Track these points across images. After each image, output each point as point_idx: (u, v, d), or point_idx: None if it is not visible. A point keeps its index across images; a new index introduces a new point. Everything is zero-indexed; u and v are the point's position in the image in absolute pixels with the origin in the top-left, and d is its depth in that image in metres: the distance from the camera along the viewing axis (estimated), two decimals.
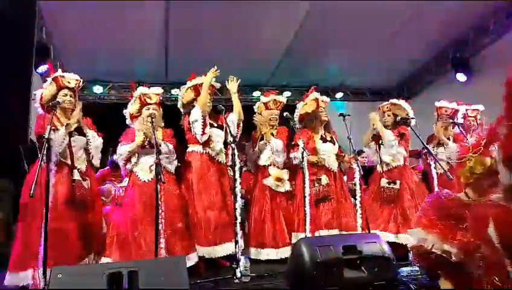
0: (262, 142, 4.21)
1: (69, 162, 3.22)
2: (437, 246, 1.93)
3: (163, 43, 6.04)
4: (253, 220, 4.09)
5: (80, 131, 3.37)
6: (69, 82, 3.37)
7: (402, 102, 4.52)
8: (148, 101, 3.64)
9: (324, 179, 4.05)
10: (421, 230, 2.02)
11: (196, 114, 3.75)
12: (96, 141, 3.45)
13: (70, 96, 3.37)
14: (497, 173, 2.05)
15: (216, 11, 5.13)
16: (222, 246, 3.61)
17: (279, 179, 4.14)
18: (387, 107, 4.48)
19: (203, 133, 3.75)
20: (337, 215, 4.02)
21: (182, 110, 4.09)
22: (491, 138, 2.14)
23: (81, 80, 3.49)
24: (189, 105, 4.06)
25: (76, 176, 3.22)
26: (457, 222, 1.93)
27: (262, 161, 4.24)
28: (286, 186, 4.17)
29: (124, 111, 3.80)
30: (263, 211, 4.07)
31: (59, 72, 3.39)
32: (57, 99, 3.21)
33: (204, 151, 3.82)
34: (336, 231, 3.95)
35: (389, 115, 4.42)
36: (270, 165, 4.21)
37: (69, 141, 3.19)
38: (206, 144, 3.81)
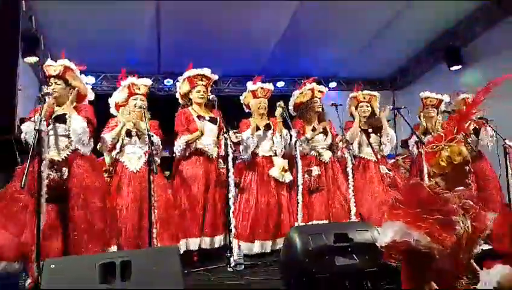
0: (270, 131, 4.14)
1: (44, 151, 2.92)
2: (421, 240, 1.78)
3: (156, 33, 5.99)
4: (259, 211, 3.97)
5: (63, 119, 3.18)
6: (55, 69, 3.26)
7: (377, 94, 4.54)
8: (137, 91, 3.64)
9: (315, 171, 4.05)
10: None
11: (178, 144, 3.80)
12: (76, 126, 3.13)
13: (56, 84, 3.24)
14: (470, 162, 2.02)
15: (208, 1, 5.08)
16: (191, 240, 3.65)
17: (284, 170, 4.07)
18: (365, 97, 4.44)
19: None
20: (326, 206, 4.05)
21: (180, 101, 4.10)
22: (460, 127, 2.08)
23: (66, 66, 3.29)
24: (185, 98, 4.04)
25: (43, 167, 2.82)
26: (423, 211, 1.83)
27: (264, 151, 4.16)
28: (290, 177, 4.10)
29: (109, 99, 3.78)
30: (272, 203, 3.99)
31: (48, 62, 3.33)
32: (48, 90, 3.16)
33: (193, 147, 3.82)
34: (325, 222, 3.97)
35: (367, 106, 4.40)
36: (273, 155, 4.15)
37: (39, 131, 2.75)
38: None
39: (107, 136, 3.50)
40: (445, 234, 1.78)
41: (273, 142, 4.16)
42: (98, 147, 3.71)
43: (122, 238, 3.30)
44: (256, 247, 3.87)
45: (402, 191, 2.01)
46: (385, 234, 1.86)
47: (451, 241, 1.79)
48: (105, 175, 3.60)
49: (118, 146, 3.55)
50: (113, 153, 3.57)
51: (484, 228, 1.98)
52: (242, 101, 4.38)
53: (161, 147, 3.67)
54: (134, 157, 3.55)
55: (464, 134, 2.13)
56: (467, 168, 1.99)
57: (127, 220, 3.34)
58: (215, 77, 4.08)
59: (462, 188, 2.01)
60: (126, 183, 3.44)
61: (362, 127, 4.34)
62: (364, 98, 4.42)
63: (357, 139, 4.31)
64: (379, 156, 4.25)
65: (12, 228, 2.96)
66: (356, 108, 4.43)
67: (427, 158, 2.13)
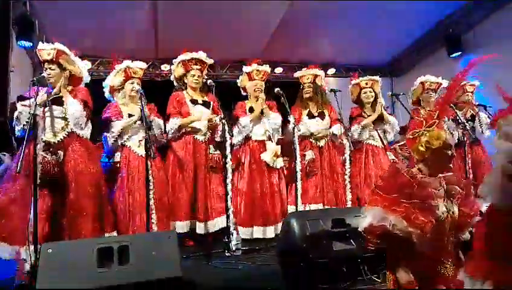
0: (256, 115, 4.08)
1: (39, 135, 2.94)
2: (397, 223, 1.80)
3: (153, 18, 5.90)
4: (251, 197, 3.95)
5: (59, 101, 3.18)
6: (48, 53, 3.21)
7: (378, 78, 4.53)
8: (133, 75, 3.64)
9: (308, 155, 4.05)
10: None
11: (170, 126, 3.80)
12: (72, 110, 3.15)
13: (50, 69, 3.21)
14: (451, 146, 1.96)
15: None
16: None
17: (276, 155, 4.04)
18: (367, 83, 4.43)
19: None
20: (322, 190, 4.05)
21: (175, 84, 4.08)
22: (443, 111, 2.02)
23: (59, 49, 3.24)
24: (180, 81, 4.02)
25: (38, 151, 2.82)
26: (401, 196, 1.84)
27: (258, 136, 4.11)
28: (281, 162, 4.11)
29: (104, 83, 3.75)
30: (263, 188, 3.97)
31: (40, 45, 3.27)
32: (42, 74, 3.13)
33: (183, 129, 3.82)
34: (320, 206, 3.98)
35: (370, 92, 4.40)
36: (266, 140, 4.12)
37: (34, 115, 2.75)
38: None
39: (119, 123, 3.49)
40: (422, 218, 1.78)
41: (271, 127, 4.13)
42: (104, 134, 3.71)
43: (137, 224, 3.33)
44: (255, 232, 3.86)
45: (382, 177, 2.00)
46: (364, 219, 1.88)
47: (430, 225, 1.80)
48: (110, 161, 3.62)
49: (125, 134, 3.56)
50: (120, 141, 3.57)
51: (473, 213, 1.98)
52: (239, 84, 4.35)
53: (163, 128, 3.74)
54: (140, 142, 3.57)
55: (465, 120, 2.09)
56: (449, 152, 1.95)
57: (142, 205, 3.33)
58: (211, 61, 4.03)
59: (451, 173, 2.00)
60: (136, 169, 3.47)
61: (368, 114, 4.34)
62: (366, 84, 4.41)
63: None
64: (385, 142, 4.26)
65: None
66: (359, 95, 4.42)
67: (408, 144, 2.08)
